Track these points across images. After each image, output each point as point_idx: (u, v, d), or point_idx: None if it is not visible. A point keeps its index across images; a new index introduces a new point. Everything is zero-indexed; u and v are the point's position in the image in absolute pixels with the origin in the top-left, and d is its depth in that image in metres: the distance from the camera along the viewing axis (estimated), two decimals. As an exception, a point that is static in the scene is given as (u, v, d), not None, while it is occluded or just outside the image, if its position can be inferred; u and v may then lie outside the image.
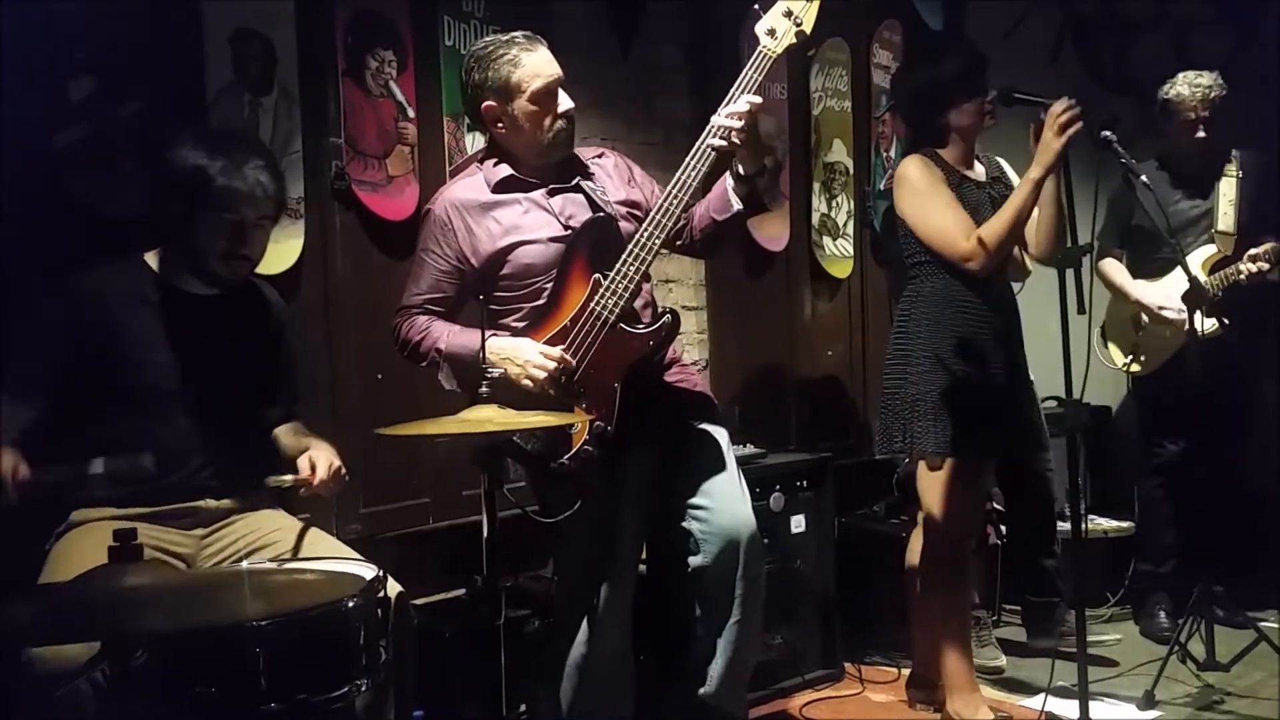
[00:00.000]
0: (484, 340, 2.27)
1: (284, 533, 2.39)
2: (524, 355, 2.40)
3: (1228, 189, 3.87)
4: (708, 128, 2.45)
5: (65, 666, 1.85)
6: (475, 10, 3.32)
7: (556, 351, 2.40)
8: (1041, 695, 3.00)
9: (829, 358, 4.43)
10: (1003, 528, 3.85)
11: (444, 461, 3.18)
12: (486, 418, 2.11)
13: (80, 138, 2.56)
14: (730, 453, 2.63)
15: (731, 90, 2.45)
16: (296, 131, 2.92)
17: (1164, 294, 3.87)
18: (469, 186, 2.60)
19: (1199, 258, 3.81)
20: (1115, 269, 3.97)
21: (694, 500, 2.53)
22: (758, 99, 2.42)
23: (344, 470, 2.37)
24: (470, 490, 3.09)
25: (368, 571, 1.93)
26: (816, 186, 4.36)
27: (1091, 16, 4.90)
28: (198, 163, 2.24)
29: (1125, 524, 4.20)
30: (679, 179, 2.44)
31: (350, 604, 1.78)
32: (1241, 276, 3.72)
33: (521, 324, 2.51)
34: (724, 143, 2.40)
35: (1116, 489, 4.36)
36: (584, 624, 2.50)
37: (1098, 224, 3.66)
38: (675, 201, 2.43)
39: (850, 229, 4.49)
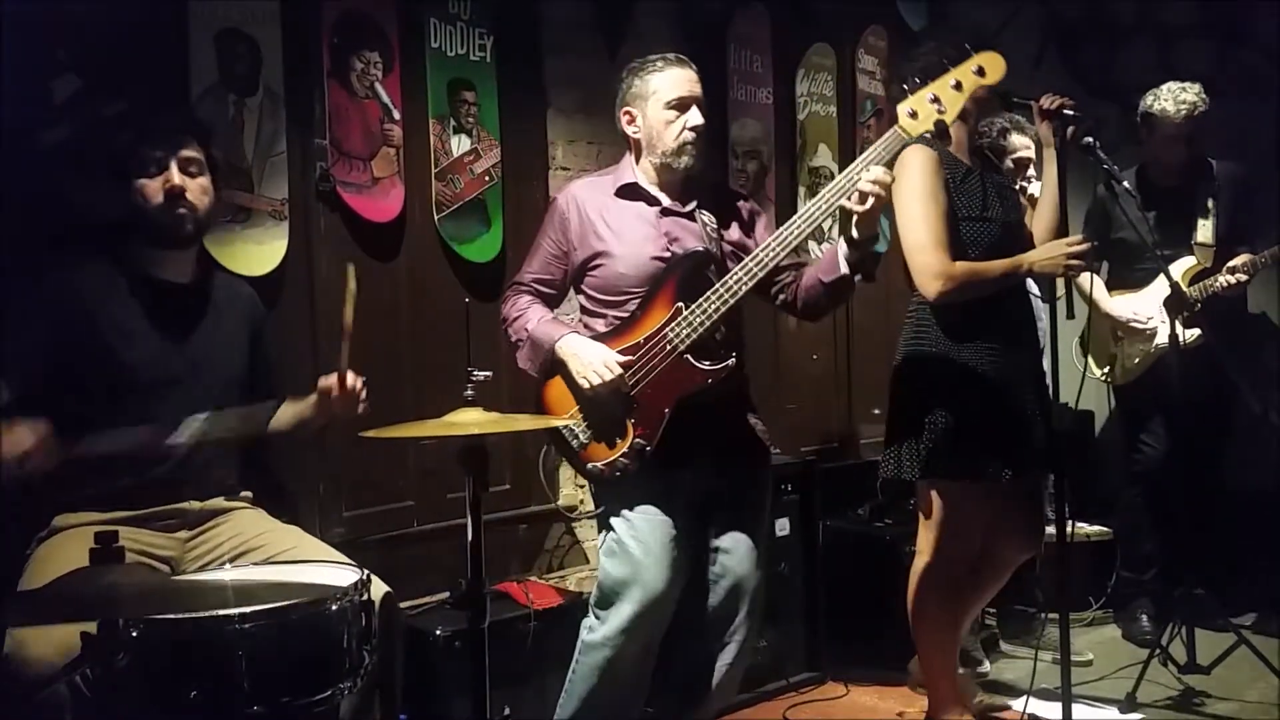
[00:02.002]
0: (470, 343, 2.28)
1: (269, 535, 2.38)
2: (589, 357, 2.51)
3: (1206, 200, 3.89)
4: (833, 186, 2.46)
5: (43, 670, 1.84)
6: (461, 12, 3.32)
7: (617, 366, 2.49)
8: (1024, 698, 3.01)
9: (814, 362, 4.44)
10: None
11: (429, 464, 3.17)
12: (471, 420, 2.11)
13: (64, 137, 2.55)
14: (767, 503, 2.74)
15: (860, 159, 2.47)
16: (281, 133, 2.92)
17: (1133, 307, 3.90)
18: (595, 185, 2.70)
19: (1179, 269, 3.83)
20: (1090, 281, 3.98)
21: (717, 542, 2.62)
22: (890, 175, 2.43)
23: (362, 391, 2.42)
24: (455, 493, 3.09)
25: (352, 574, 1.92)
26: (802, 191, 4.37)
27: (1076, 22, 4.93)
28: (120, 137, 2.35)
29: (1108, 529, 4.22)
30: (782, 234, 2.49)
31: (334, 606, 1.78)
32: (1220, 287, 3.74)
33: (606, 329, 2.59)
34: (858, 205, 2.40)
35: (1100, 493, 4.37)
36: (617, 625, 2.52)
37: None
38: (775, 250, 2.48)
39: (835, 233, 4.50)
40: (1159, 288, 3.85)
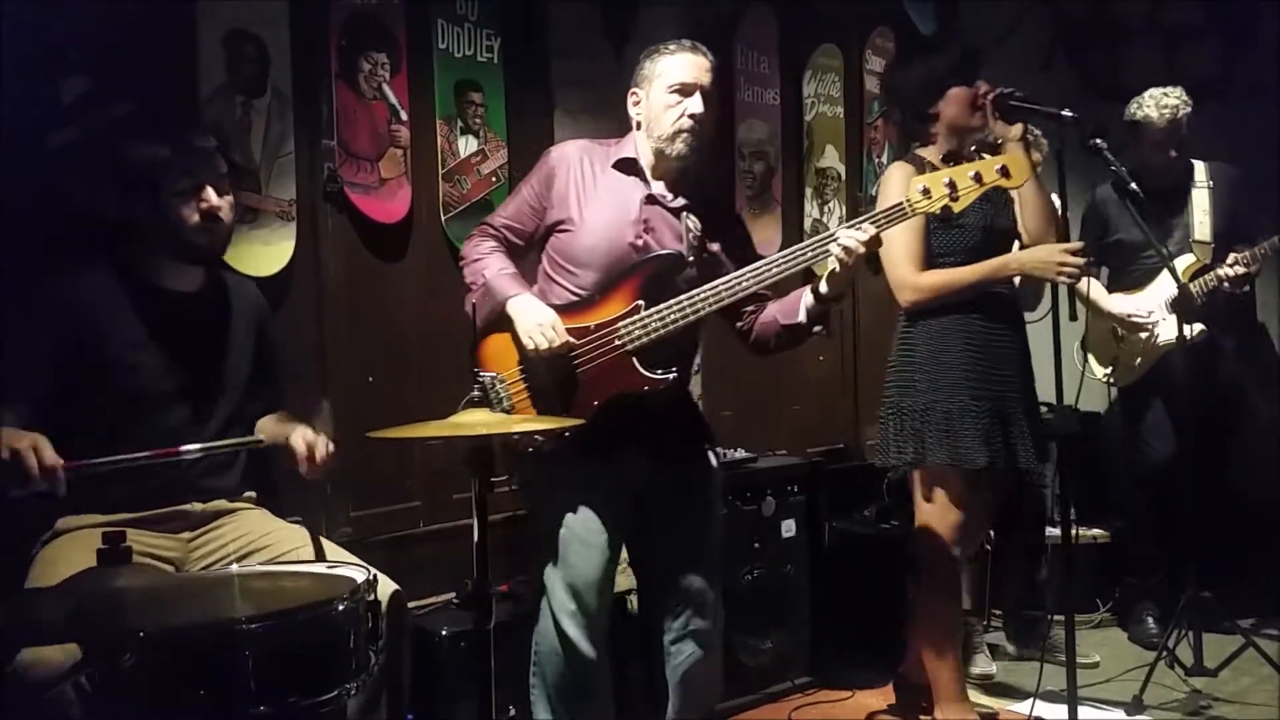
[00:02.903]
0: (476, 339, 2.28)
1: (274, 535, 2.38)
2: (538, 318, 2.45)
3: (1201, 200, 3.93)
4: (820, 237, 2.43)
5: (49, 671, 1.84)
6: (469, 13, 3.32)
7: (564, 333, 2.44)
8: (1030, 700, 3.01)
9: (820, 363, 4.43)
10: (991, 533, 3.86)
11: (435, 464, 3.17)
12: (479, 421, 2.11)
13: (73, 138, 2.55)
14: (716, 497, 2.67)
15: (856, 220, 2.43)
16: (289, 134, 2.92)
17: (1133, 304, 3.90)
18: (593, 151, 2.62)
19: (1179, 266, 3.84)
20: (1087, 284, 3.97)
21: (670, 596, 2.57)
22: (880, 243, 2.40)
23: (332, 449, 2.38)
24: (461, 494, 3.09)
25: (359, 574, 1.93)
26: (809, 192, 4.37)
27: (1084, 24, 4.92)
28: (152, 150, 2.33)
29: (1113, 532, 4.21)
30: (761, 268, 2.43)
31: (340, 607, 1.77)
32: (1221, 279, 3.76)
33: (560, 303, 2.53)
34: (841, 255, 2.36)
35: (1107, 496, 4.36)
36: (555, 625, 2.51)
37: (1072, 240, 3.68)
38: (747, 282, 2.43)
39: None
40: (1159, 286, 3.88)
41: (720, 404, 4.00)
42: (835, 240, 2.38)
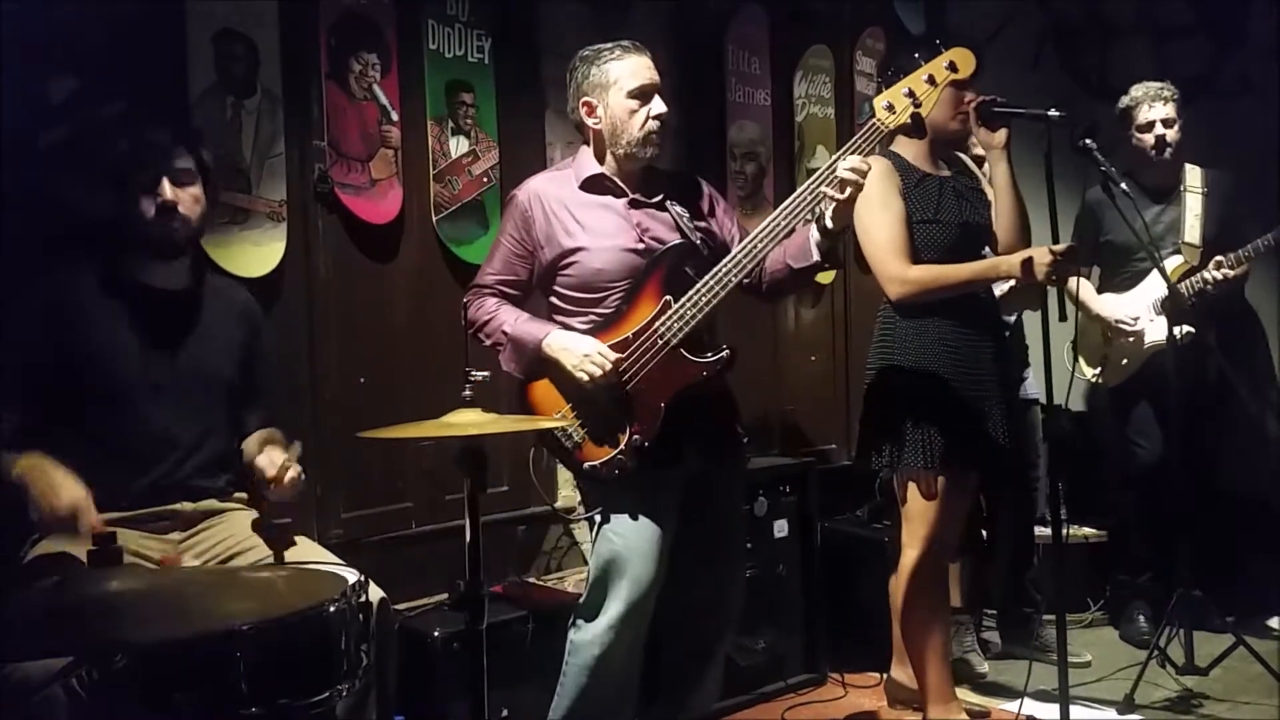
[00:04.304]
0: (469, 338, 2.28)
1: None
2: (583, 350, 2.47)
3: (1194, 204, 3.94)
4: (815, 177, 2.47)
5: (38, 674, 1.83)
6: (460, 14, 3.32)
7: (613, 355, 2.46)
8: (1019, 700, 3.01)
9: (812, 363, 4.44)
10: (983, 532, 3.86)
11: (427, 465, 3.17)
12: (470, 421, 2.11)
13: (61, 138, 2.54)
14: (741, 503, 2.82)
15: (842, 150, 2.49)
16: (279, 134, 2.92)
17: (1122, 304, 3.92)
18: (556, 180, 2.64)
19: (1168, 268, 3.85)
20: (1077, 284, 3.99)
21: (702, 546, 2.63)
22: (868, 165, 2.46)
23: (300, 474, 2.36)
24: (454, 494, 3.09)
25: (349, 576, 1.92)
26: (800, 192, 4.37)
27: (1074, 22, 4.93)
28: (116, 146, 2.35)
29: (1104, 531, 4.22)
30: (773, 221, 2.47)
31: (331, 608, 1.77)
32: (1207, 281, 3.77)
33: (585, 327, 2.55)
34: (838, 193, 2.43)
35: (1096, 495, 4.37)
36: (605, 623, 2.52)
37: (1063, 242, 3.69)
38: (764, 241, 2.47)
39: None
40: (1147, 286, 3.90)
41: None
42: (833, 173, 2.43)
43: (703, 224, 2.65)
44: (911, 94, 2.51)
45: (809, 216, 2.50)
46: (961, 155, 3.14)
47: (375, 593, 2.18)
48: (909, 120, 2.52)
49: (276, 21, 2.91)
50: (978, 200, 3.02)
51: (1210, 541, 3.73)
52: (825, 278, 4.45)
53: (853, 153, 2.46)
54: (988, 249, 3.03)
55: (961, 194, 2.98)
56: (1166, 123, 3.90)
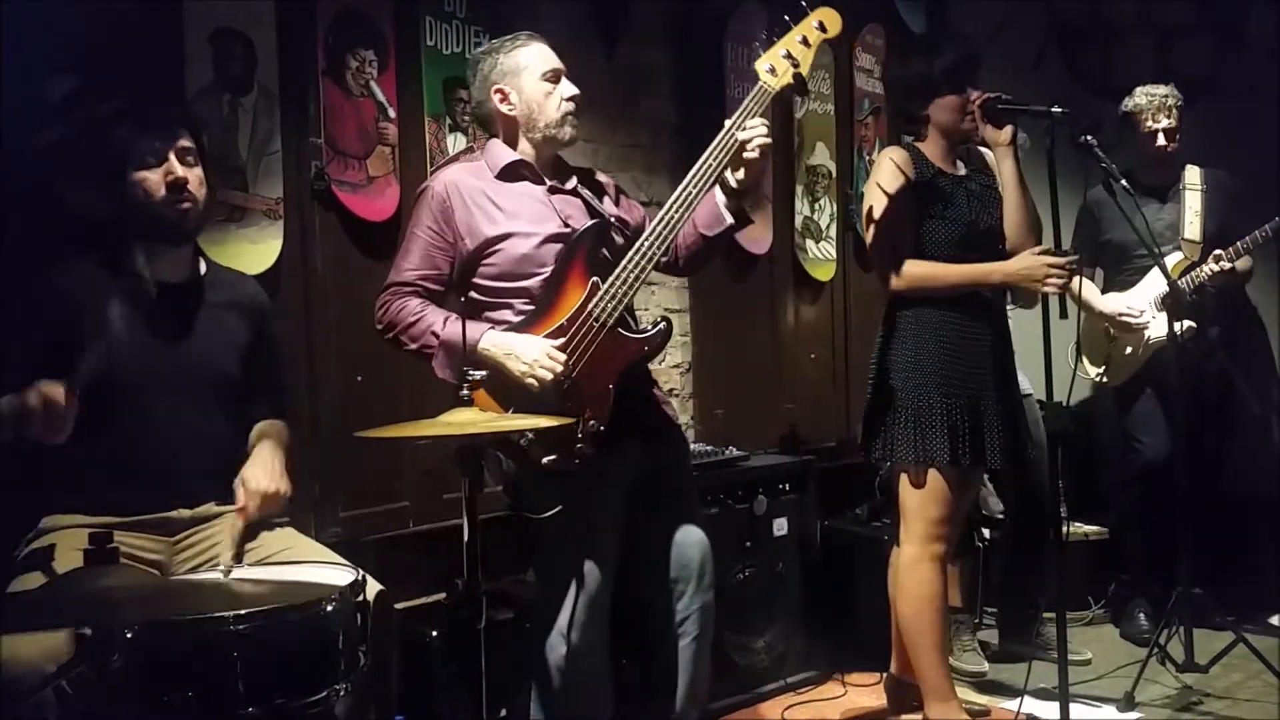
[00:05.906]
0: (464, 337, 2.27)
1: (262, 537, 2.35)
2: (531, 354, 2.38)
3: (1194, 201, 3.95)
4: (716, 142, 2.48)
5: (31, 674, 1.82)
6: (457, 10, 3.31)
7: (560, 355, 2.40)
8: (1019, 698, 3.01)
9: (812, 361, 4.43)
10: (984, 531, 3.86)
11: (425, 464, 3.16)
12: (468, 420, 2.10)
13: (59, 137, 2.53)
14: (693, 485, 2.77)
15: (736, 115, 2.50)
16: (276, 131, 2.91)
17: (1124, 301, 3.92)
18: (471, 170, 2.61)
19: (1168, 264, 3.85)
20: (1079, 283, 3.99)
21: (658, 530, 2.59)
22: (765, 125, 2.50)
23: (281, 491, 2.34)
24: (451, 493, 3.08)
25: (347, 575, 1.92)
26: (799, 189, 4.36)
27: (1076, 21, 4.92)
28: (115, 132, 2.32)
29: (1106, 529, 4.22)
30: (684, 190, 2.46)
31: (329, 607, 1.77)
32: (1206, 275, 3.78)
33: (513, 319, 2.50)
34: (755, 155, 2.47)
35: (1099, 493, 4.37)
36: (564, 623, 2.49)
37: (1065, 241, 3.69)
38: (679, 210, 2.46)
39: (833, 232, 4.50)
40: (1149, 283, 3.90)
41: (712, 402, 4.00)
42: (732, 137, 2.47)
43: (611, 209, 2.65)
44: (789, 55, 2.57)
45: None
46: (984, 152, 3.13)
47: (373, 588, 2.17)
48: (793, 81, 2.57)
49: (273, 19, 2.90)
50: (990, 200, 3.02)
51: (1211, 539, 3.73)
52: (824, 274, 4.45)
53: (749, 116, 2.50)
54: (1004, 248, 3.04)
55: (974, 193, 2.99)
56: (1169, 133, 3.92)
